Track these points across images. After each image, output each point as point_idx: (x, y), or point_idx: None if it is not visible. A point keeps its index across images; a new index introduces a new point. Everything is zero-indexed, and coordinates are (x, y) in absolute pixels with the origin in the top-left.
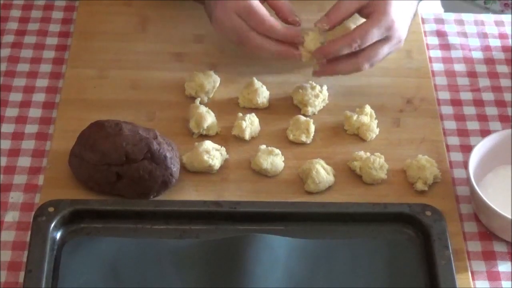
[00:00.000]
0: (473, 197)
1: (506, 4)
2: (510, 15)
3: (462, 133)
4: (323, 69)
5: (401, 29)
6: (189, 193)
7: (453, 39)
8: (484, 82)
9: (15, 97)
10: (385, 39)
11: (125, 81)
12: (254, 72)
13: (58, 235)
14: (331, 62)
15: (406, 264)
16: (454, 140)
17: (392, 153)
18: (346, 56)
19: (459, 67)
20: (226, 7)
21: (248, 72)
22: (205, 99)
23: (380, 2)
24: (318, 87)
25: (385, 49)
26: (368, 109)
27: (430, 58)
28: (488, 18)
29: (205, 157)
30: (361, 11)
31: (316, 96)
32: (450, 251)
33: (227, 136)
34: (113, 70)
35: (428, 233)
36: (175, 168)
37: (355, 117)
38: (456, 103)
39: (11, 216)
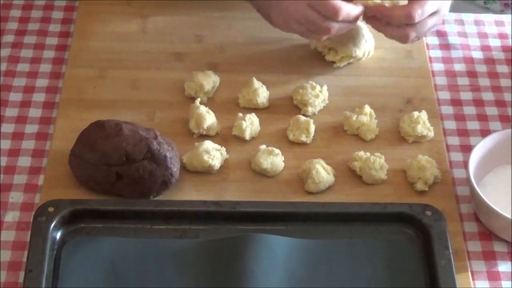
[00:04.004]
0: (473, 197)
1: (506, 4)
2: (510, 15)
3: (462, 133)
4: (372, 22)
5: (447, 3)
6: (189, 193)
7: (453, 39)
8: (484, 82)
9: (15, 97)
10: (434, 12)
11: (125, 81)
12: (254, 72)
13: (58, 235)
14: (380, 21)
15: (406, 264)
16: (454, 140)
17: (392, 153)
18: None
19: (459, 67)
20: (297, 1)
21: (248, 72)
22: (205, 99)
23: None
24: (318, 87)
25: (432, 22)
26: (367, 109)
27: (430, 58)
28: (488, 18)
29: (205, 157)
30: None
31: (316, 96)
32: (450, 251)
33: (227, 136)
34: (113, 70)
35: (428, 233)
36: (175, 168)
37: (354, 117)
38: (456, 103)
39: (11, 216)
